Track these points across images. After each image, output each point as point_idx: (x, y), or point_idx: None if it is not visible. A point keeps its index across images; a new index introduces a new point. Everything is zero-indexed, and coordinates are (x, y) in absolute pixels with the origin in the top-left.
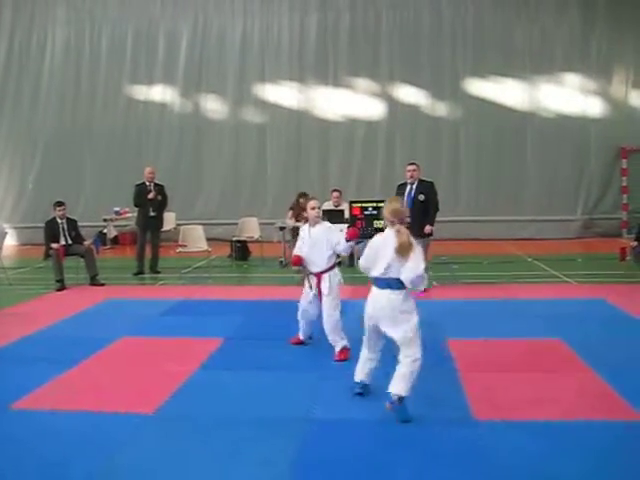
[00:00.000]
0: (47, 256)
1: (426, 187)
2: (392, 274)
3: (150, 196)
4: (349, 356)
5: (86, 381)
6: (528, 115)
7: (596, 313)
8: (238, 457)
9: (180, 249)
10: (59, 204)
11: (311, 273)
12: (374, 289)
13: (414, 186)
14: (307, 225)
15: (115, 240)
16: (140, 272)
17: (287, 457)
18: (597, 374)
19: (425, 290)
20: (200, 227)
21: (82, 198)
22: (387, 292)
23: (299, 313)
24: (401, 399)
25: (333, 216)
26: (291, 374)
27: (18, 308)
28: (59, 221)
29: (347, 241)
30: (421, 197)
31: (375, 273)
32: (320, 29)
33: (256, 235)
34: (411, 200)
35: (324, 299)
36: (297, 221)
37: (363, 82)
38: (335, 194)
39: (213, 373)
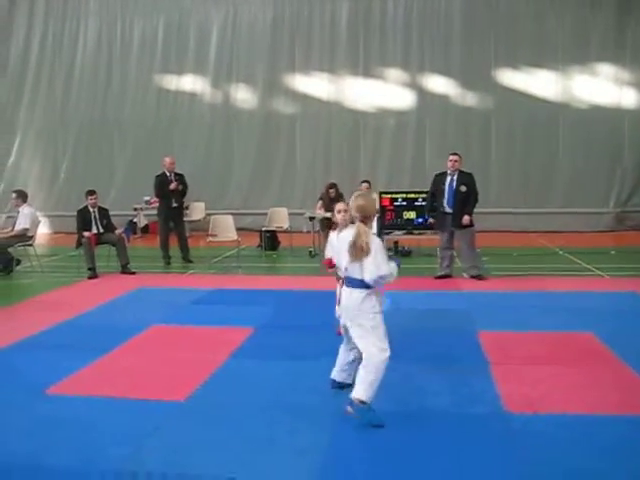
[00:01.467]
0: (79, 244)
1: (467, 178)
2: (353, 273)
3: (172, 187)
4: None
5: (118, 368)
6: (561, 106)
7: (629, 307)
8: (271, 446)
9: (210, 239)
10: (91, 193)
11: (340, 278)
12: (344, 286)
13: (455, 177)
14: (337, 230)
15: (145, 229)
16: (169, 261)
17: (320, 446)
18: (630, 368)
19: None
20: (230, 217)
21: (113, 187)
22: (350, 290)
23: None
24: (363, 403)
25: None
26: (322, 363)
27: (51, 296)
28: (91, 210)
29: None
30: (463, 188)
31: (340, 270)
32: (351, 18)
33: (285, 225)
34: (452, 191)
35: None
36: (326, 211)
37: (393, 72)
38: (364, 185)
39: (244, 362)
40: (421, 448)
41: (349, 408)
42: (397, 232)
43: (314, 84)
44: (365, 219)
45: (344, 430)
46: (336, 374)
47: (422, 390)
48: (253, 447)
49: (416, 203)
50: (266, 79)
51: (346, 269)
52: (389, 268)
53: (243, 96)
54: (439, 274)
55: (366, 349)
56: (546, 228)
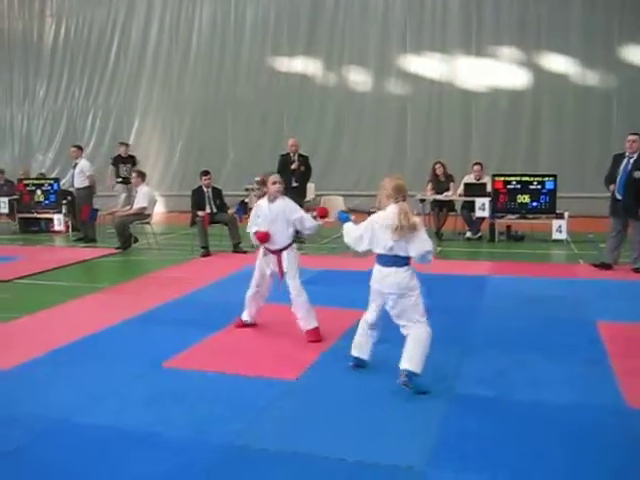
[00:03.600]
0: (193, 223)
1: None
2: (399, 251)
3: (293, 166)
4: (322, 336)
5: (231, 345)
6: None
7: None
8: (381, 428)
9: (319, 220)
10: (205, 173)
11: (269, 250)
12: (378, 266)
13: (632, 160)
14: (265, 200)
15: None
16: None
17: (431, 429)
18: None
19: None
20: (340, 198)
21: (225, 167)
22: (393, 270)
23: (249, 293)
24: (413, 374)
25: (475, 190)
26: (435, 348)
27: (166, 272)
28: (205, 190)
29: (316, 219)
30: (637, 174)
31: (379, 250)
32: None
33: None
34: (626, 175)
35: (289, 282)
36: (436, 193)
37: (507, 50)
38: (476, 167)
39: None
40: (535, 437)
41: (401, 380)
42: (510, 216)
43: (425, 64)
44: (404, 198)
45: (456, 415)
46: (362, 352)
47: (536, 379)
48: (363, 429)
49: (530, 187)
50: (378, 60)
51: (391, 248)
52: (432, 244)
53: (354, 77)
54: (600, 262)
55: (414, 325)
56: None
